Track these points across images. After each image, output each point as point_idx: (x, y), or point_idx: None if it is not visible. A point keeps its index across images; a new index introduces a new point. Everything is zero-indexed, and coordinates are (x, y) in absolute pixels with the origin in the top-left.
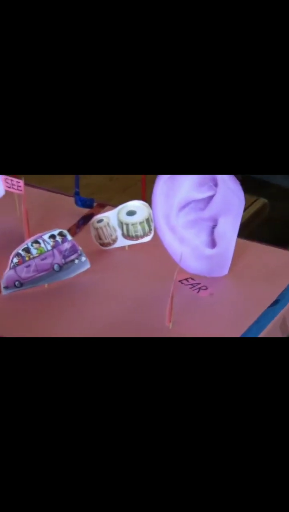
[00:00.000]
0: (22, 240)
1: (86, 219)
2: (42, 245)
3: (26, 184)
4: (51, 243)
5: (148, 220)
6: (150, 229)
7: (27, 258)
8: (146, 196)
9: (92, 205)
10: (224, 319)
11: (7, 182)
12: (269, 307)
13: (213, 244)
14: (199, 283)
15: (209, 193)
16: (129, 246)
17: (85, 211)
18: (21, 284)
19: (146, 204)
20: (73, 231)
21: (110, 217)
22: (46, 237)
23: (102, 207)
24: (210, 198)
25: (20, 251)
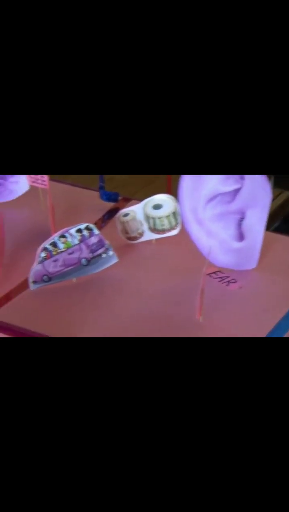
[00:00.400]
0: (48, 235)
1: (111, 213)
2: (69, 239)
3: (50, 178)
4: (78, 237)
5: (174, 213)
6: (177, 223)
7: (54, 253)
8: (171, 189)
9: (117, 199)
10: (255, 312)
11: (31, 177)
12: None
13: (240, 237)
14: (228, 276)
15: (236, 186)
16: (156, 239)
17: (110, 205)
18: (49, 279)
19: (172, 197)
20: (99, 225)
21: (136, 211)
22: (73, 231)
23: (127, 201)
24: (237, 191)
25: (47, 246)
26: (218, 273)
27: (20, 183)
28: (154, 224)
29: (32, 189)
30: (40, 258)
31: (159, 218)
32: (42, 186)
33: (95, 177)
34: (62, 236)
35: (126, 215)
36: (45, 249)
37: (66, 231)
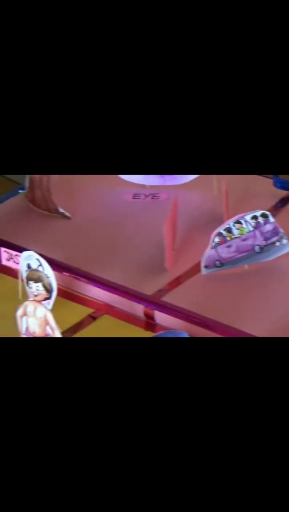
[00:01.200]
0: (220, 220)
1: (284, 201)
2: (244, 225)
3: None
4: (253, 224)
5: None
6: None
7: (228, 238)
8: None
9: None
10: None
11: None
12: None
13: None
14: None
15: None
16: None
17: (283, 193)
18: (222, 264)
19: None
20: (271, 213)
21: None
22: (248, 217)
23: None
24: None
25: (221, 231)
26: None
27: None
28: None
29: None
30: (214, 243)
31: None
32: None
33: None
34: (238, 222)
35: None
36: (219, 234)
37: (242, 217)
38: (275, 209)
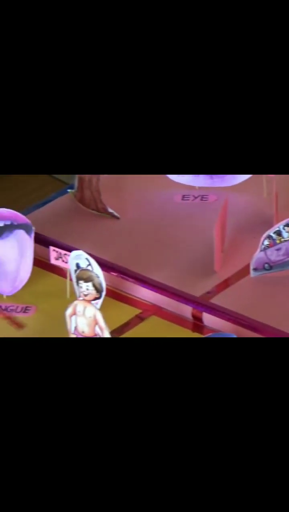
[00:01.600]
0: (269, 223)
1: None
2: None
3: None
4: None
5: None
6: None
7: (278, 241)
8: None
9: None
10: None
11: None
12: None
13: None
14: None
15: None
16: None
17: None
18: (270, 267)
19: None
20: None
21: None
22: None
23: None
24: None
25: (271, 234)
26: None
27: None
28: None
29: (255, 176)
30: (263, 246)
31: None
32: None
33: None
34: (287, 225)
35: None
36: (269, 237)
37: None
38: None
